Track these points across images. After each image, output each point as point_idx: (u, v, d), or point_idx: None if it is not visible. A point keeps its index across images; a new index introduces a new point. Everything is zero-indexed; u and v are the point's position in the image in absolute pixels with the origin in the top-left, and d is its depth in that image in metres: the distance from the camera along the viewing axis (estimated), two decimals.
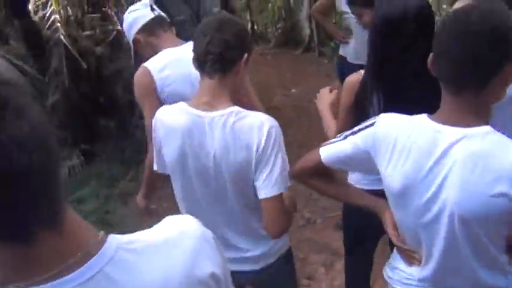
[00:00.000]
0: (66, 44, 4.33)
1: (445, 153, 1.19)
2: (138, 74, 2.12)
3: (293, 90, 7.09)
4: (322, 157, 1.46)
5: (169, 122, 1.66)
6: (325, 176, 1.55)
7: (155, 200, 4.06)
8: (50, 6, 4.49)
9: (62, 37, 4.35)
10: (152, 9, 2.16)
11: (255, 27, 9.90)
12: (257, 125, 1.55)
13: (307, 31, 8.80)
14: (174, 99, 2.01)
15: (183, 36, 3.31)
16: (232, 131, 1.56)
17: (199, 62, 1.60)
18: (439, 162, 1.20)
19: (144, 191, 2.42)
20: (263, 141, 1.53)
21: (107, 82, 4.76)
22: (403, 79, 1.70)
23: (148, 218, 3.77)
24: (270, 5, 9.81)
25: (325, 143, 1.50)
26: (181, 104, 1.66)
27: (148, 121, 2.05)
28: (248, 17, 9.88)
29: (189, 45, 2.09)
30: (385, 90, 1.76)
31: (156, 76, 2.07)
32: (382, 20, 1.73)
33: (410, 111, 1.32)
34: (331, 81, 7.24)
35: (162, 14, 2.23)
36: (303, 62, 8.37)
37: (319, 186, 1.60)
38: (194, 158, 1.62)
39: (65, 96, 4.41)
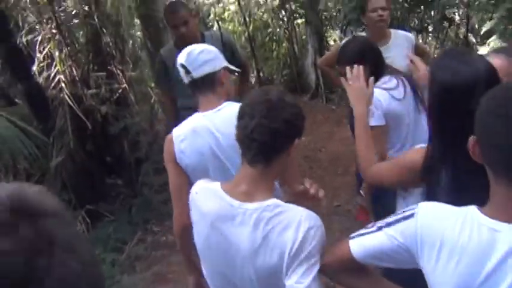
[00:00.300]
0: (71, 103, 4.26)
1: (507, 256, 1.02)
2: (166, 139, 2.08)
3: (303, 139, 6.95)
4: (352, 252, 1.26)
5: (200, 205, 1.51)
6: (357, 271, 1.34)
7: (164, 264, 3.87)
8: (55, 67, 4.44)
9: (66, 97, 4.27)
10: (187, 72, 1.96)
11: (261, 74, 9.91)
12: (294, 225, 1.34)
13: (313, 77, 8.77)
14: (191, 171, 2.01)
15: (184, 94, 3.20)
16: (265, 229, 1.36)
17: (242, 146, 1.43)
18: (501, 266, 1.02)
19: (187, 268, 2.16)
20: (296, 244, 1.32)
21: (113, 141, 4.65)
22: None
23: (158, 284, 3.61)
24: (274, 53, 9.85)
25: (355, 233, 1.29)
26: (217, 187, 1.48)
27: (172, 185, 2.03)
28: (254, 65, 9.92)
29: (216, 113, 1.99)
30: (454, 168, 1.50)
31: (176, 147, 2.00)
32: (445, 91, 1.48)
33: (480, 193, 1.14)
34: (341, 129, 7.20)
35: (196, 74, 1.97)
36: (311, 108, 8.27)
37: (351, 283, 1.39)
38: (220, 252, 1.45)
39: (70, 157, 4.29)
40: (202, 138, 1.97)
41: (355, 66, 1.96)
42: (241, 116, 1.43)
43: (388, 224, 1.20)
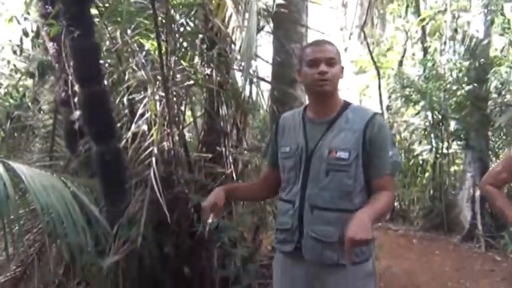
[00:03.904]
0: (155, 185, 2.95)
1: None
2: None
3: None
4: None
5: None
6: None
7: None
8: (150, 136, 3.26)
9: (152, 176, 2.99)
10: None
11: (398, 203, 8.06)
12: None
13: (467, 215, 6.69)
14: None
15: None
16: None
17: None
18: None
19: None
20: None
21: (199, 246, 3.19)
22: None
23: None
24: (418, 179, 8.00)
25: None
26: None
27: None
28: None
29: None
30: None
31: None
32: None
33: None
34: (510, 287, 4.95)
35: None
36: (463, 254, 6.11)
37: None
38: None
39: (134, 258, 2.89)
40: None
41: None
42: None
43: None
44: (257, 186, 2.15)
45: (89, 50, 2.60)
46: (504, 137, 6.26)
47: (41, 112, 5.61)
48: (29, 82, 6.52)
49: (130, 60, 3.36)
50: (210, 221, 1.89)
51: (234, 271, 2.93)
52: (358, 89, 10.77)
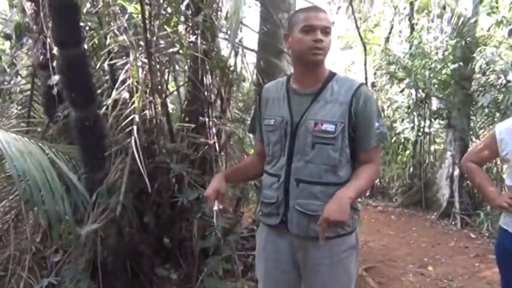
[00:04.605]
0: (136, 154, 2.87)
1: None
2: None
3: (430, 268, 4.94)
4: None
5: None
6: None
7: None
8: (132, 104, 3.17)
9: (133, 144, 2.91)
10: None
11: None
12: None
13: (445, 193, 6.80)
14: None
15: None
16: None
17: None
18: None
19: None
20: None
21: (180, 217, 3.15)
22: None
23: None
24: (399, 156, 8.07)
25: None
26: None
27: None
28: None
29: None
30: None
31: None
32: None
33: None
34: (486, 266, 5.09)
35: None
36: (440, 231, 6.25)
37: None
38: None
39: (113, 227, 2.84)
40: None
41: None
42: None
43: None
44: (252, 163, 2.04)
45: (69, 10, 2.48)
46: (486, 117, 6.33)
47: (18, 76, 5.43)
48: (6, 45, 6.29)
49: (112, 23, 3.22)
50: (216, 208, 1.84)
51: (214, 242, 2.91)
52: (344, 64, 10.71)
